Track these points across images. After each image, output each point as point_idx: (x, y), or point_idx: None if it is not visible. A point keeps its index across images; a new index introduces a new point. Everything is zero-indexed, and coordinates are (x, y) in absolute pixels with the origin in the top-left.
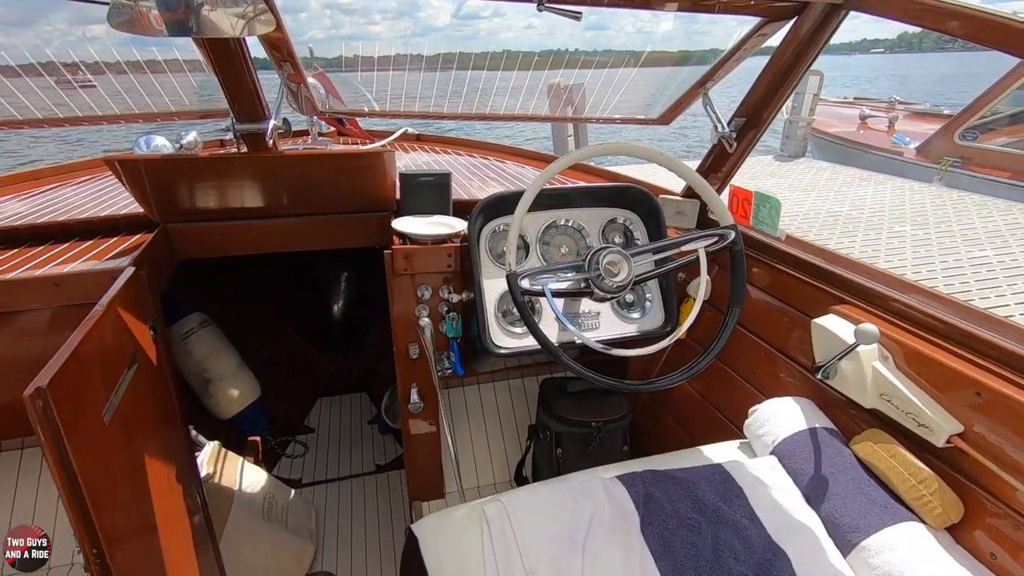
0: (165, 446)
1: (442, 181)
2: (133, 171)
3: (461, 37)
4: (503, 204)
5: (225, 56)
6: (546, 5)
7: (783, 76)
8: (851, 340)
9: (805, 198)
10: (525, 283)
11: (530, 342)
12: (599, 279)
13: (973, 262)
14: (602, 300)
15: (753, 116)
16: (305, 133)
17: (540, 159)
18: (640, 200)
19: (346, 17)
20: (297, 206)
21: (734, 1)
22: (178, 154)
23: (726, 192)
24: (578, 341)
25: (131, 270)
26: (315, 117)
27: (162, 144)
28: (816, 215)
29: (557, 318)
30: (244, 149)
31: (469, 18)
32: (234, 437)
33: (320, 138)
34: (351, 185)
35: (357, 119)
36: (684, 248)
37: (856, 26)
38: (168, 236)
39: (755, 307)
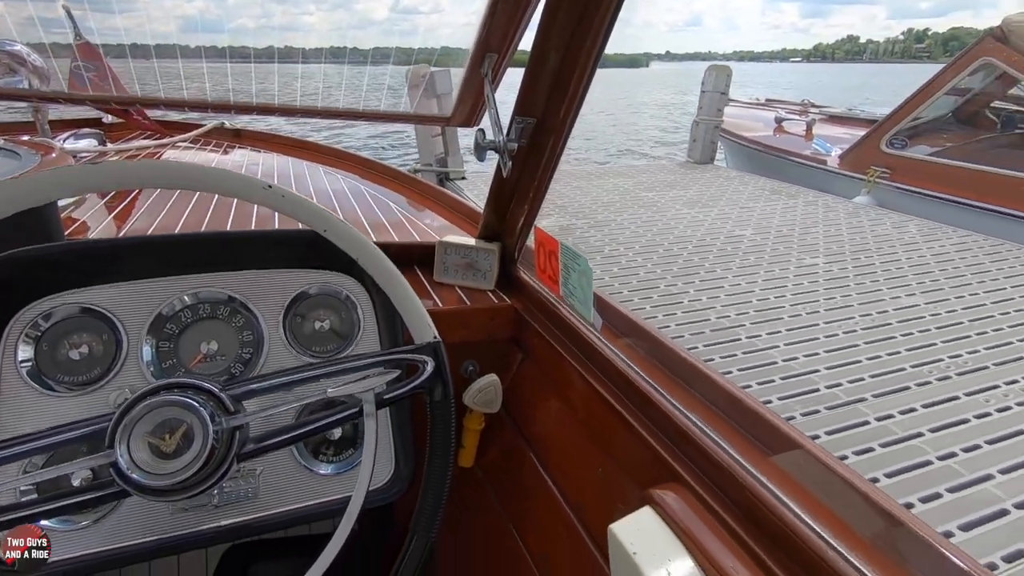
0: None
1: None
2: None
3: (400, 32)
4: (56, 267)
5: None
6: None
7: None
8: None
9: (704, 216)
10: None
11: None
12: (121, 474)
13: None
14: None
15: (546, 114)
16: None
17: (373, 169)
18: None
19: (278, 6)
20: None
21: None
22: None
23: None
24: None
25: None
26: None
27: None
28: (712, 239)
29: None
30: None
31: (408, 13)
32: None
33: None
34: None
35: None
36: (333, 391)
37: (776, 36)
38: None
39: (557, 436)
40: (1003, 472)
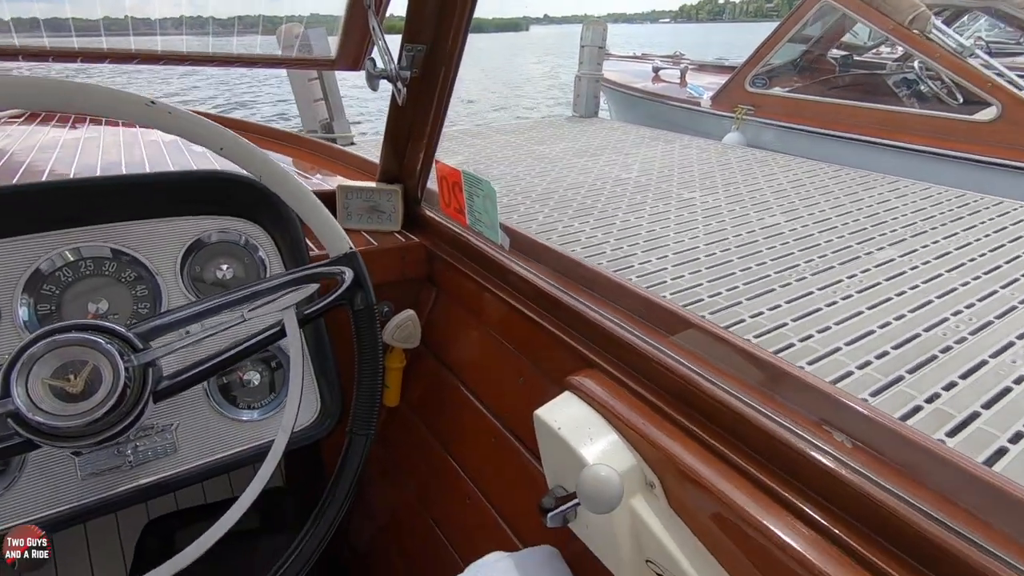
0: None
1: None
2: None
3: None
4: None
5: None
6: None
7: None
8: (588, 455)
9: (593, 164)
10: None
11: None
12: (22, 419)
13: (765, 232)
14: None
15: (436, 42)
16: None
17: (257, 132)
18: (251, 198)
19: None
20: None
21: None
22: None
23: (434, 173)
24: None
25: None
26: None
27: None
28: (602, 183)
29: None
30: None
31: None
32: None
33: None
34: None
35: None
36: (250, 313)
37: None
38: None
39: (478, 357)
40: (848, 344)
